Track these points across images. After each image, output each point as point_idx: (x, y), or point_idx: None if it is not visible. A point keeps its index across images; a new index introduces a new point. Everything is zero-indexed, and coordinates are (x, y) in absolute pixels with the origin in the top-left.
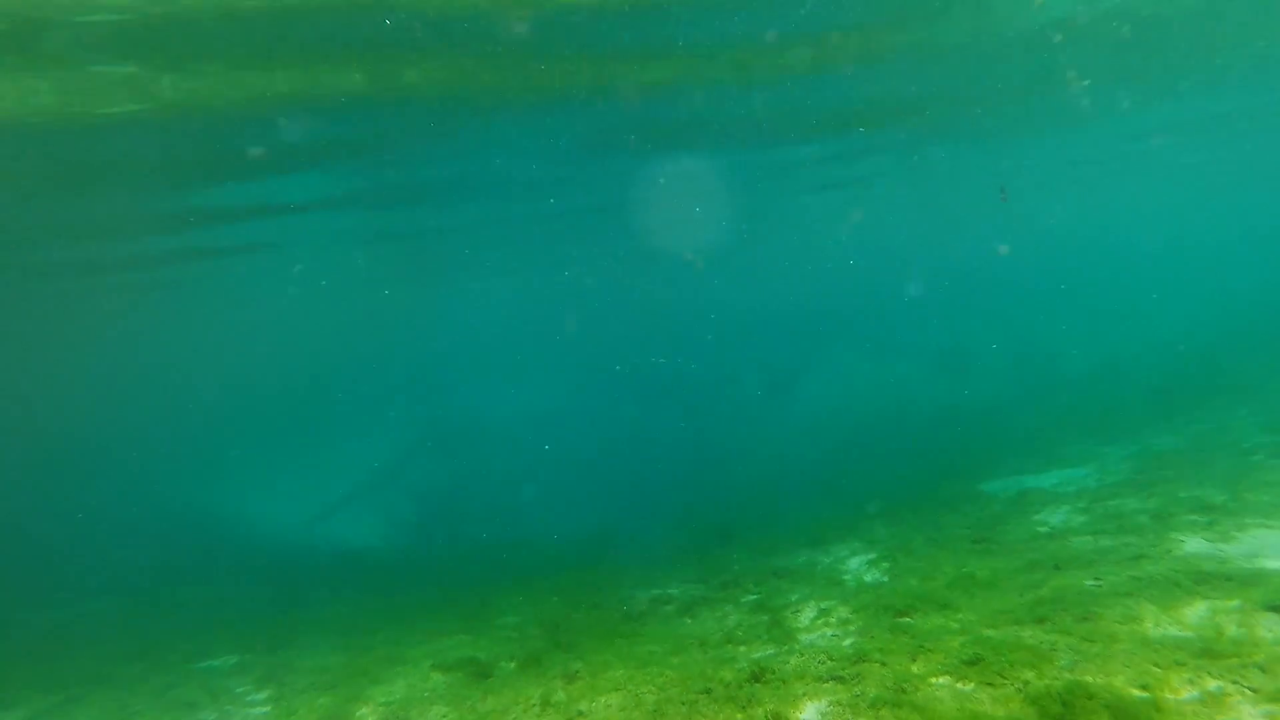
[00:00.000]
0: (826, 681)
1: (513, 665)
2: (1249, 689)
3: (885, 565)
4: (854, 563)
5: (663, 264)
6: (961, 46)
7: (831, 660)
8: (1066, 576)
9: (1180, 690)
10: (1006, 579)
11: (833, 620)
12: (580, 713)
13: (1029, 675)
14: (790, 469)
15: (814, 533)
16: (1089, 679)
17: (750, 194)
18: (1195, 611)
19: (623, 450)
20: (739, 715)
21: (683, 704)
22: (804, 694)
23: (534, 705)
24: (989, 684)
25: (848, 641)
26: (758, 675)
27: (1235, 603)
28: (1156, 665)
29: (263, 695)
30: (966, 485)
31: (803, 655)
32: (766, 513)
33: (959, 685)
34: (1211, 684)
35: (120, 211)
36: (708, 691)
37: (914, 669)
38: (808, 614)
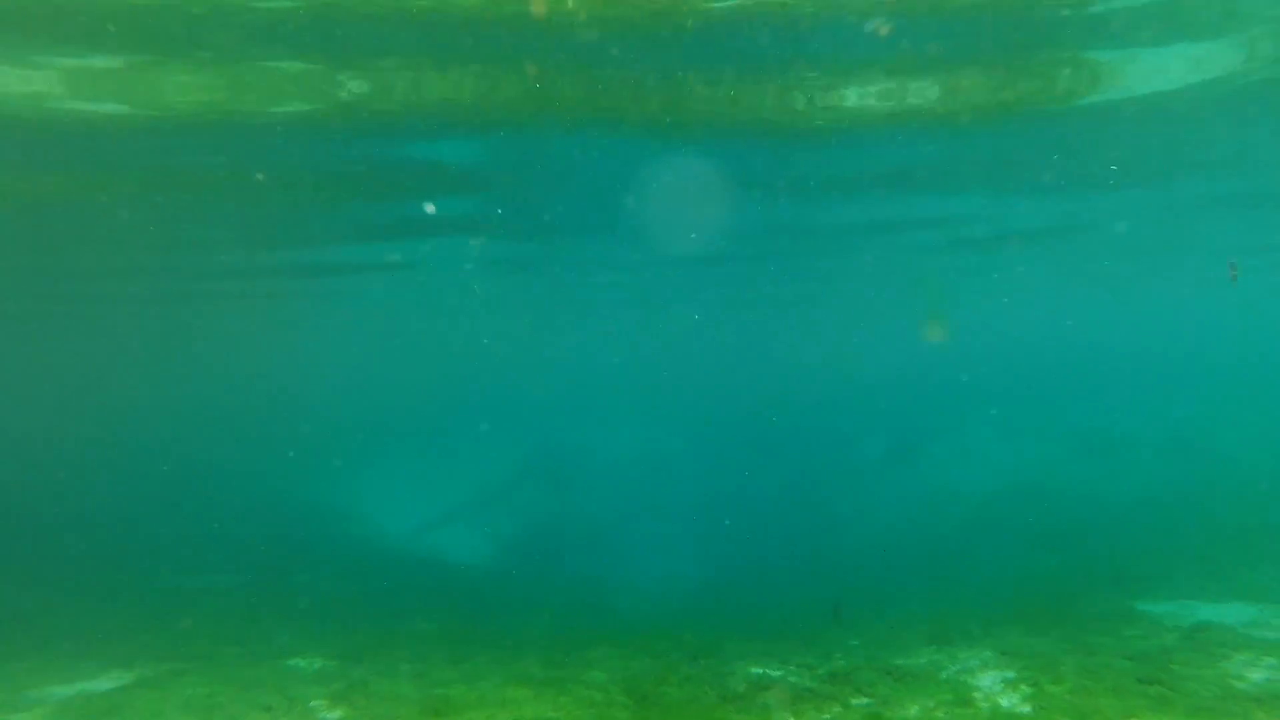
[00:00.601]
0: None
1: None
2: None
3: (1026, 690)
4: (986, 679)
5: (793, 315)
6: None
7: None
8: None
9: None
10: None
11: None
12: None
13: None
14: (909, 546)
15: (936, 627)
16: None
17: (894, 251)
18: None
19: (732, 502)
20: None
21: None
22: None
23: None
24: None
25: None
26: None
27: None
28: None
29: (334, 716)
30: (1118, 600)
31: None
32: (881, 593)
33: None
34: None
35: (275, 218)
36: None
37: None
38: None
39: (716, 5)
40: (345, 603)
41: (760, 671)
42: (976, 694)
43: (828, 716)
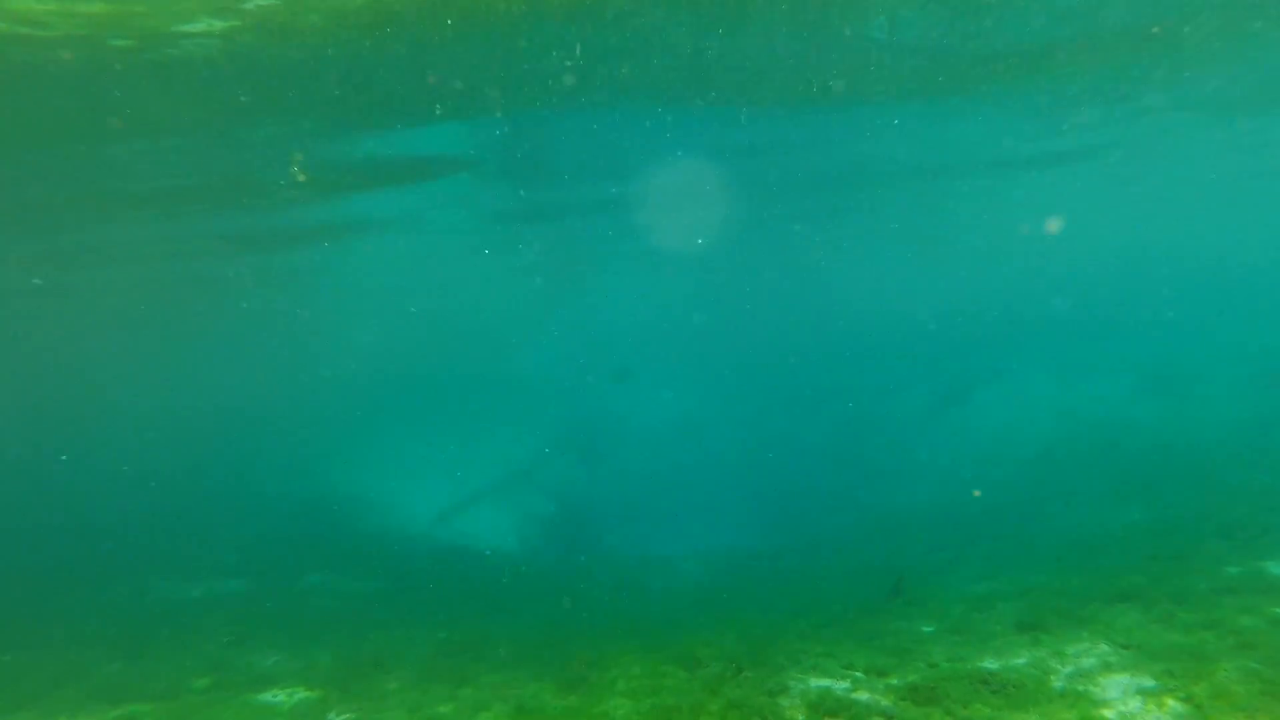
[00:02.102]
0: None
1: None
2: None
3: (1178, 708)
4: (1115, 688)
5: (834, 261)
6: None
7: None
8: None
9: None
10: None
11: None
12: None
13: None
14: (967, 501)
15: (1023, 607)
16: None
17: (928, 174)
18: None
19: (771, 466)
20: None
21: None
22: None
23: None
24: None
25: None
26: None
27: None
28: None
29: None
30: (1241, 560)
31: None
32: (943, 559)
33: None
34: None
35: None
36: None
37: None
38: None
39: None
40: (354, 602)
41: (822, 685)
42: (1109, 715)
43: None
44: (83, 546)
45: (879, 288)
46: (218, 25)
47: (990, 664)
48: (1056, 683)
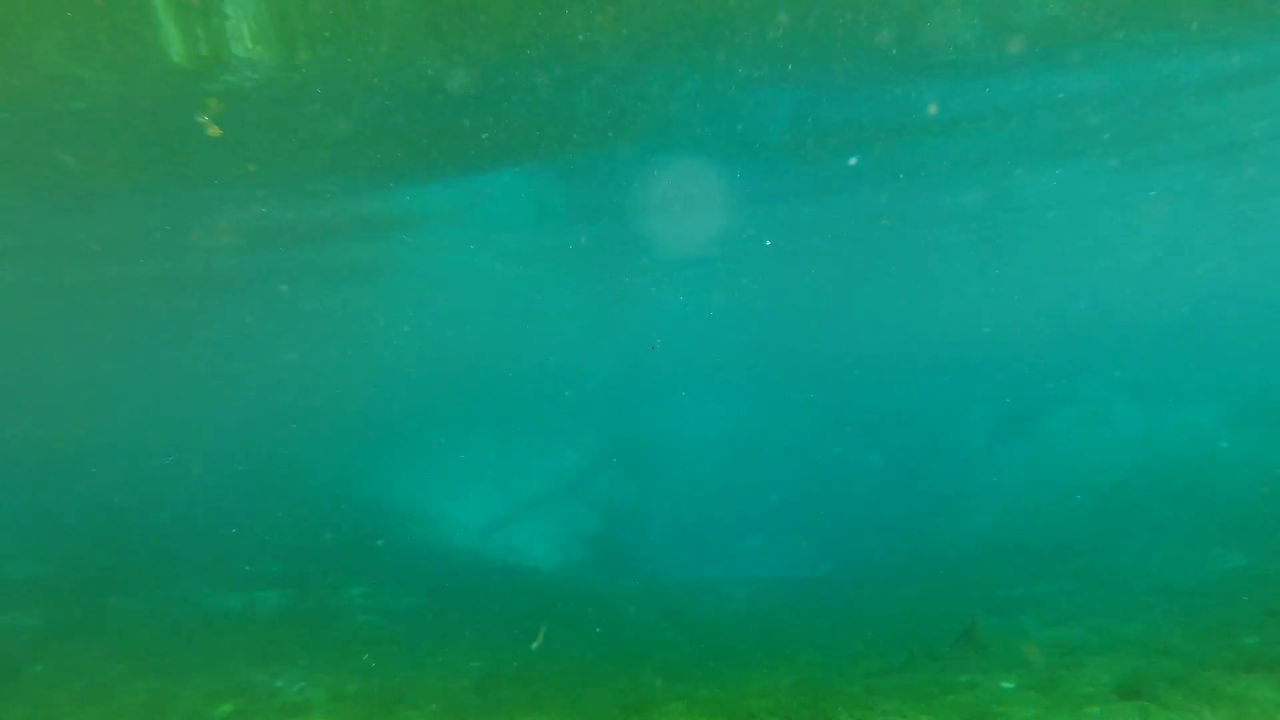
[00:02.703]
0: None
1: None
2: None
3: None
4: None
5: (897, 272)
6: None
7: None
8: None
9: None
10: None
11: None
12: None
13: None
14: (1033, 532)
15: (1119, 664)
16: None
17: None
18: None
19: (828, 485)
20: None
21: None
22: None
23: None
24: None
25: None
26: None
27: None
28: None
29: None
30: None
31: None
32: (1013, 597)
33: None
34: None
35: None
36: None
37: None
38: None
39: None
40: (393, 621)
41: None
42: None
43: None
44: (135, 550)
45: (942, 301)
46: None
47: None
48: None
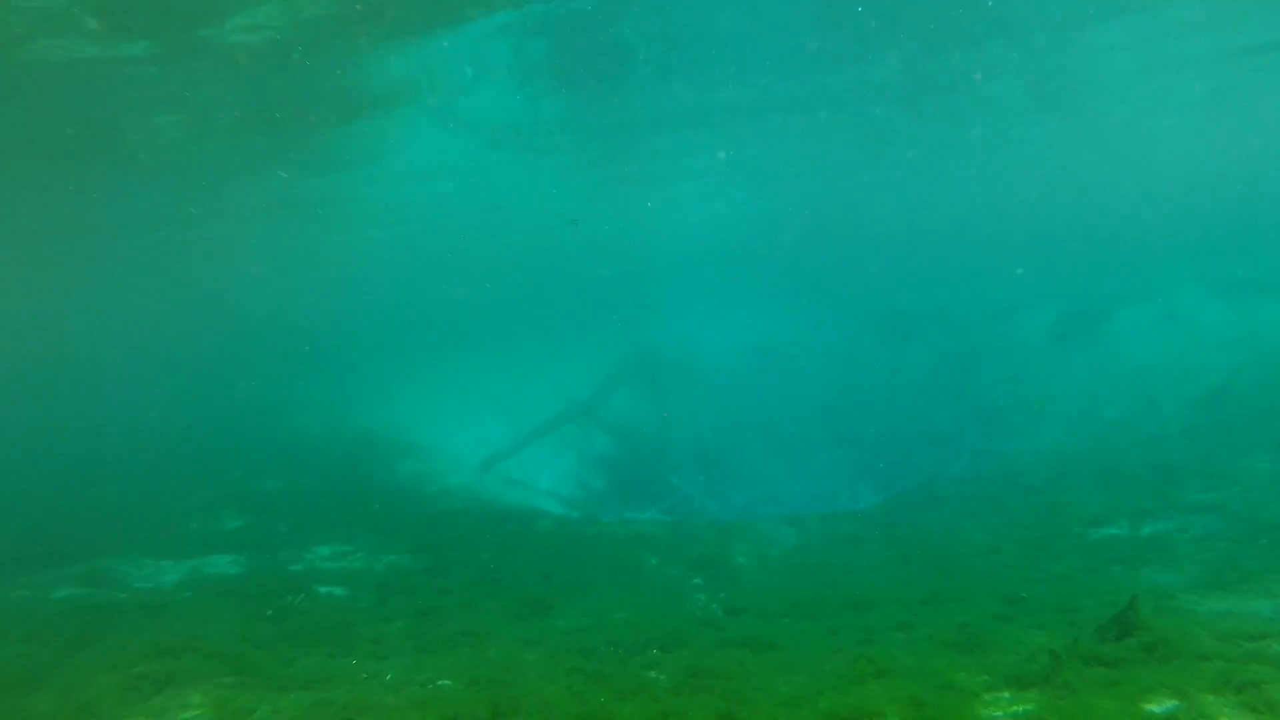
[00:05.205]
0: None
1: None
2: None
3: None
4: None
5: (933, 151)
6: None
7: None
8: None
9: None
10: None
11: None
12: None
13: None
14: (1113, 451)
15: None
16: None
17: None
18: None
19: (867, 398)
20: None
21: None
22: None
23: None
24: None
25: None
26: None
27: None
28: None
29: None
30: None
31: None
32: (1114, 540)
33: None
34: None
35: None
36: None
37: None
38: None
39: None
40: (360, 591)
41: None
42: None
43: None
44: (64, 510)
45: (992, 184)
46: None
47: None
48: None
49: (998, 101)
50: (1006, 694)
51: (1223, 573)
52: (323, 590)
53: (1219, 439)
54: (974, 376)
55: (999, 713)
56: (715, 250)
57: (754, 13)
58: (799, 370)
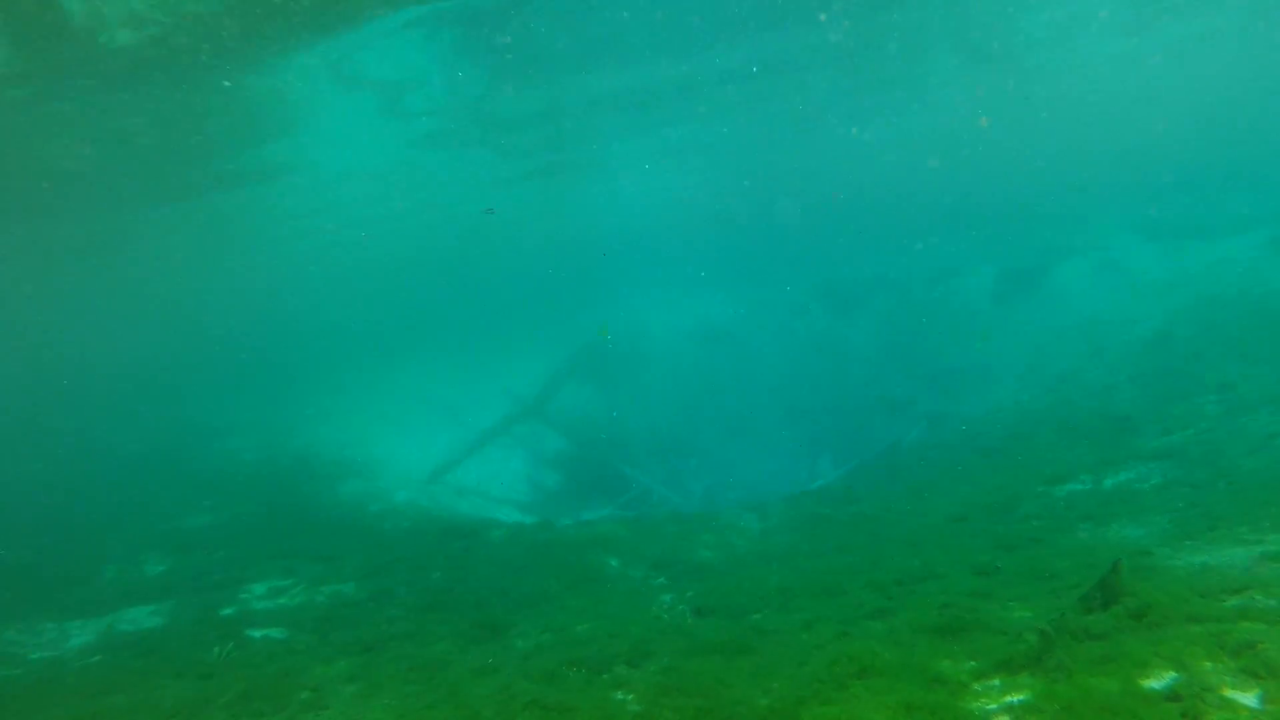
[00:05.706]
0: None
1: None
2: None
3: None
4: None
5: (865, 114)
6: None
7: None
8: None
9: None
10: None
11: None
12: None
13: None
14: (1064, 404)
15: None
16: None
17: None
18: None
19: (820, 370)
20: None
21: None
22: None
23: None
24: None
25: None
26: None
27: None
28: None
29: None
30: None
31: None
32: (1080, 496)
33: None
34: None
35: None
36: None
37: None
38: None
39: None
40: (299, 631)
41: None
42: None
43: None
44: None
45: (920, 146)
46: None
47: None
48: None
49: (922, 58)
50: (997, 681)
51: (1191, 522)
52: (257, 634)
53: (1167, 384)
54: (922, 340)
55: (992, 705)
56: (655, 234)
57: None
58: (747, 349)
